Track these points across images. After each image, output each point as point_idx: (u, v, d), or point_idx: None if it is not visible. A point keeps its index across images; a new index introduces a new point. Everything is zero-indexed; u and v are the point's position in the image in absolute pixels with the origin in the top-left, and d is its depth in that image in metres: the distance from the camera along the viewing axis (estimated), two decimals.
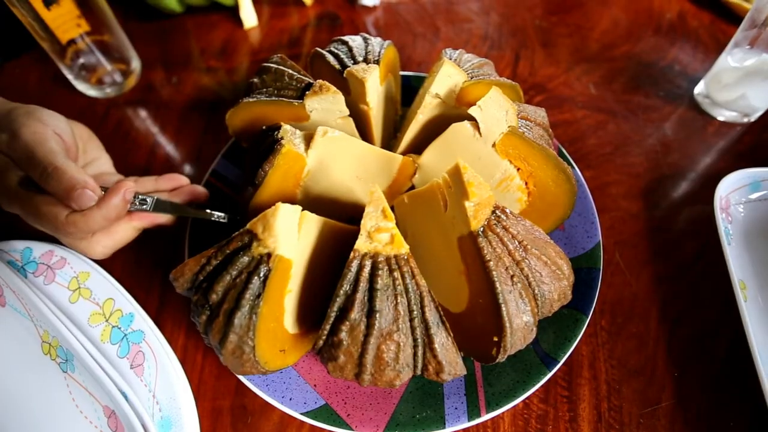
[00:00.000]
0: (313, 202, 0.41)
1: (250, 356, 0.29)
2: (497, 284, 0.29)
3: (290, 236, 0.31)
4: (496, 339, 0.30)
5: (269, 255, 0.29)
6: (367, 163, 0.41)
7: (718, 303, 0.42)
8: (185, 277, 0.31)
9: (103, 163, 0.44)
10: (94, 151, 0.44)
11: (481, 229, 0.30)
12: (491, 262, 0.29)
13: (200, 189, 0.42)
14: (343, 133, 0.37)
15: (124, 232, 0.38)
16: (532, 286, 0.31)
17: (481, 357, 0.33)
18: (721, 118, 0.56)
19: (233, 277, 0.29)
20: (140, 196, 0.37)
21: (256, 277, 0.29)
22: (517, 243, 0.31)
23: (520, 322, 0.30)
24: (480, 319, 0.32)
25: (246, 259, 0.29)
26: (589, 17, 0.71)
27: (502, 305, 0.29)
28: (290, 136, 0.36)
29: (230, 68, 0.64)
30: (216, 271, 0.30)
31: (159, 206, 0.38)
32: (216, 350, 0.30)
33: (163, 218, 0.39)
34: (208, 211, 0.41)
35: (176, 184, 0.42)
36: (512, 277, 0.30)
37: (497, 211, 0.31)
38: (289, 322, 0.33)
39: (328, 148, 0.37)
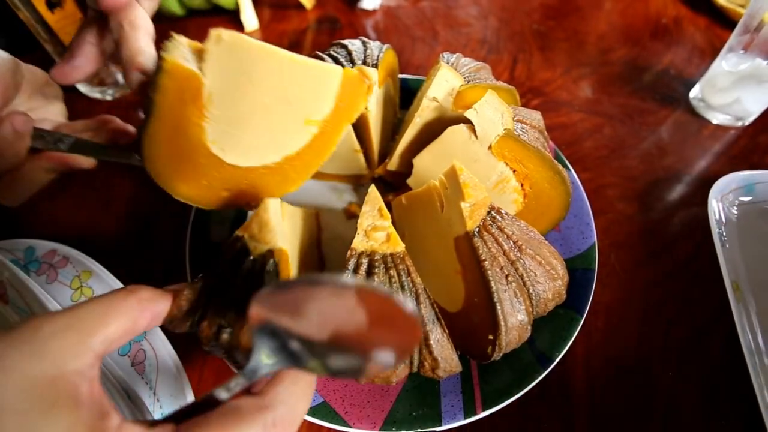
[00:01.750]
0: (230, 140, 0.33)
1: None
2: (492, 283, 0.30)
3: (280, 228, 0.31)
4: (491, 337, 0.31)
5: (271, 251, 0.29)
6: (295, 82, 0.33)
7: (711, 304, 0.43)
8: (182, 309, 0.28)
9: (51, 110, 0.38)
10: (47, 97, 0.38)
11: (477, 229, 0.31)
12: (486, 262, 0.30)
13: (128, 128, 0.37)
14: (249, 38, 0.30)
15: (33, 174, 0.33)
16: (527, 285, 0.31)
17: (477, 355, 0.34)
18: (715, 122, 0.57)
19: (244, 282, 0.28)
20: (57, 135, 0.32)
21: (266, 274, 0.28)
22: (512, 243, 0.31)
23: (514, 321, 0.31)
24: (476, 318, 0.32)
25: (249, 263, 0.28)
26: (587, 22, 0.72)
27: (497, 304, 0.30)
28: (176, 49, 0.28)
29: None
30: (218, 287, 0.28)
31: (77, 147, 0.32)
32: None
33: (81, 160, 0.34)
34: (136, 156, 0.33)
35: (104, 124, 0.36)
36: (507, 276, 0.30)
37: (492, 212, 0.31)
38: None
39: (232, 62, 0.30)
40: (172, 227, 0.48)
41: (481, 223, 0.31)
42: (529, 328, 0.32)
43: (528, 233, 0.33)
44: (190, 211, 0.44)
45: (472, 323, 0.33)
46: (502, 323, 0.30)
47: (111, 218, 0.49)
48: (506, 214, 0.32)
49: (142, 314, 0.23)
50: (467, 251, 0.31)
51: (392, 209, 0.41)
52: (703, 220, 0.45)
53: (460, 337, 0.34)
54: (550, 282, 0.32)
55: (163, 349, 0.37)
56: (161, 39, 0.72)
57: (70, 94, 0.60)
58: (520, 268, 0.31)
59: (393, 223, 0.32)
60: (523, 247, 0.31)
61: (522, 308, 0.31)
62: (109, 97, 0.60)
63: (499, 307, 0.30)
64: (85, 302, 0.22)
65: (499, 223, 0.31)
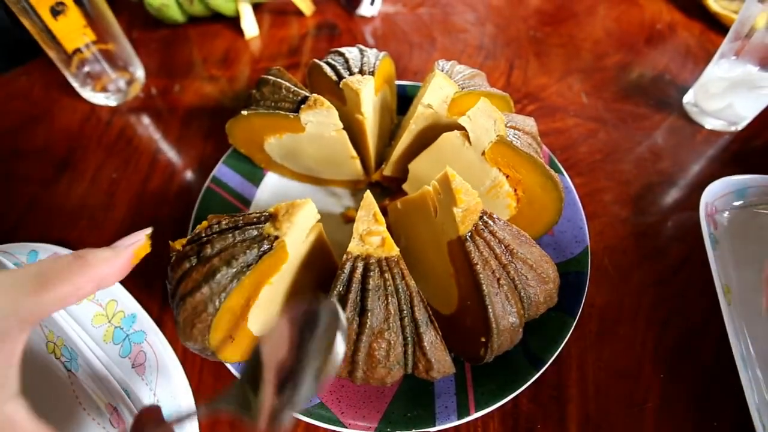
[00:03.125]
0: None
1: (207, 319, 0.29)
2: (484, 287, 0.30)
3: (299, 234, 0.33)
4: (483, 339, 0.31)
5: (276, 237, 0.31)
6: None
7: (703, 307, 0.44)
8: (195, 231, 0.33)
9: None
10: None
11: (469, 233, 0.31)
12: (478, 266, 0.31)
13: None
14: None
15: None
16: (518, 288, 0.32)
17: (470, 357, 0.34)
18: (709, 127, 0.58)
19: (235, 241, 0.31)
20: None
21: (255, 249, 0.31)
22: (503, 247, 0.32)
23: (506, 324, 0.31)
24: (468, 321, 0.33)
25: (254, 232, 0.31)
26: (582, 28, 0.73)
27: (489, 307, 0.30)
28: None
29: (231, 77, 0.66)
30: (221, 233, 0.32)
31: None
32: (176, 303, 0.31)
33: None
34: None
35: None
36: (498, 279, 0.31)
37: (485, 217, 0.32)
38: (252, 321, 0.33)
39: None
40: (173, 232, 0.49)
41: (473, 228, 0.32)
42: (521, 330, 0.33)
43: (520, 237, 0.33)
44: (190, 215, 0.45)
45: (465, 326, 0.33)
46: (494, 326, 0.31)
47: (113, 222, 0.50)
48: (498, 218, 0.33)
49: (86, 280, 0.23)
50: (460, 255, 0.32)
51: (388, 214, 0.42)
52: (695, 224, 0.46)
53: (454, 340, 0.34)
54: (541, 285, 0.33)
55: (164, 351, 0.38)
56: (164, 45, 0.74)
57: (75, 101, 0.61)
58: (512, 272, 0.32)
59: (388, 227, 0.33)
60: (515, 251, 0.32)
61: (513, 311, 0.31)
62: (112, 103, 0.61)
63: (490, 310, 0.30)
64: (27, 267, 0.22)
65: (491, 228, 0.32)
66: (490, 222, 0.32)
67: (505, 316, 0.31)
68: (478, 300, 0.31)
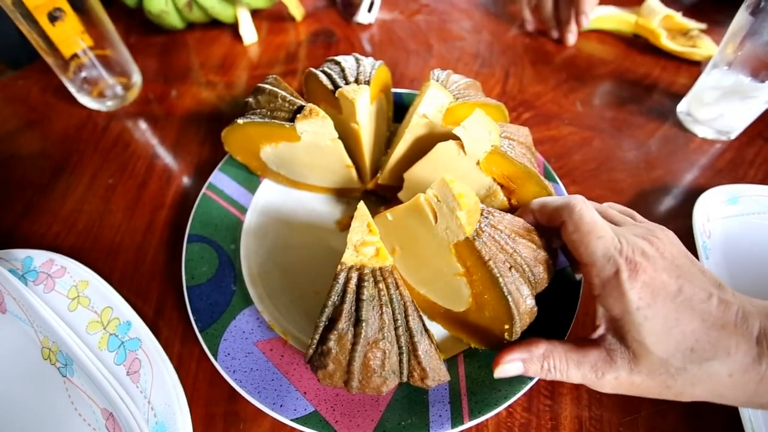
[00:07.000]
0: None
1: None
2: (500, 279, 0.31)
3: None
4: (507, 326, 0.33)
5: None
6: None
7: None
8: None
9: None
10: None
11: (475, 232, 0.32)
12: (491, 261, 0.31)
13: None
14: None
15: None
16: (526, 272, 0.33)
17: (493, 344, 0.36)
18: (702, 136, 0.58)
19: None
20: None
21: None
22: (505, 236, 0.32)
23: (525, 307, 0.32)
24: (487, 312, 0.34)
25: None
26: (577, 36, 0.73)
27: (509, 296, 0.31)
28: None
29: (228, 82, 0.66)
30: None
31: None
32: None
33: None
34: None
35: None
36: (510, 268, 0.32)
37: (484, 213, 0.33)
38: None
39: None
40: (169, 237, 0.49)
41: (478, 225, 0.32)
42: (535, 308, 0.34)
43: (515, 223, 0.34)
44: (186, 221, 0.45)
45: (484, 318, 0.34)
46: (515, 312, 0.32)
47: (110, 228, 0.50)
48: (494, 211, 0.33)
49: None
50: (471, 254, 0.32)
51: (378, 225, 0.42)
52: (688, 232, 0.46)
53: (474, 333, 0.36)
54: (542, 265, 0.34)
55: (159, 359, 0.38)
56: (161, 51, 0.74)
57: (72, 107, 0.61)
58: (518, 258, 0.32)
59: (382, 236, 0.33)
60: (515, 237, 0.33)
61: (528, 294, 0.32)
62: (109, 108, 0.61)
63: (511, 300, 0.31)
64: None
65: (491, 221, 0.33)
66: (489, 216, 0.33)
67: (523, 300, 0.32)
68: (497, 292, 0.31)
